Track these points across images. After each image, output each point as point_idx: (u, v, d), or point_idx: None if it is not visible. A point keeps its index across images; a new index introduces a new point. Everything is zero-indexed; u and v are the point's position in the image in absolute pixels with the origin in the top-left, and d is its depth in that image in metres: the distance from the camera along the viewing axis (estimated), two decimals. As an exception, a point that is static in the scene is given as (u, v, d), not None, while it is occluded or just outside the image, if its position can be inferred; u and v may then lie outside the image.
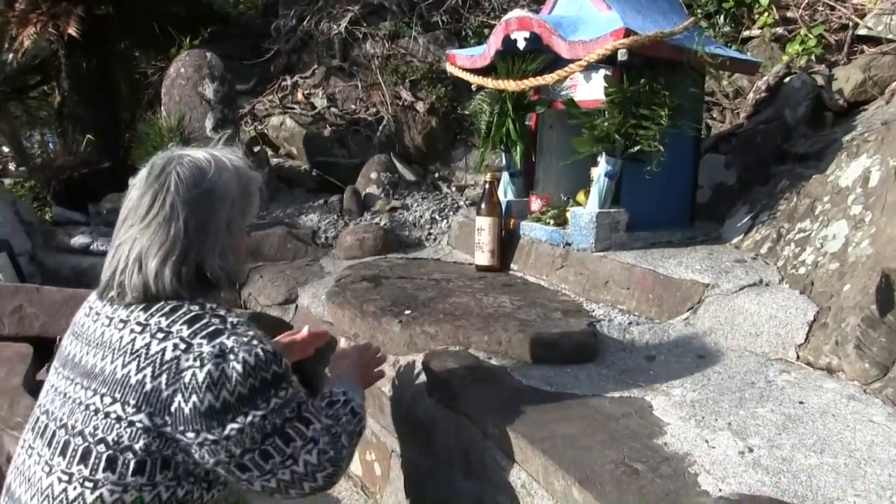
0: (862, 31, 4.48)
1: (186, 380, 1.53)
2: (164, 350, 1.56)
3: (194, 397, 1.52)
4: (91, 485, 1.55)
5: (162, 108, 5.49)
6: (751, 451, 2.03)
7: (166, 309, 1.63)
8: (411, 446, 2.85)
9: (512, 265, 3.90)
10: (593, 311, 3.19)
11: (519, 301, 3.26)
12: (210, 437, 1.54)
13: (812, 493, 1.81)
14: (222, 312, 1.66)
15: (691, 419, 2.24)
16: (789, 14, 4.93)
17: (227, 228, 1.74)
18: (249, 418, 1.56)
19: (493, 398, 2.45)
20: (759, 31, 4.97)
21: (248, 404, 1.56)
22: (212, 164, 1.73)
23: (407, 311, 3.17)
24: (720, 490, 1.83)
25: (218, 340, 1.57)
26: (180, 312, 1.62)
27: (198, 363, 1.54)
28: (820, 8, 4.84)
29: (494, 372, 2.70)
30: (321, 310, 3.84)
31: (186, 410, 1.53)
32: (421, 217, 5.06)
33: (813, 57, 4.50)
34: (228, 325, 1.62)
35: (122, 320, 1.65)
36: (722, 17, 5.06)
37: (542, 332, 2.84)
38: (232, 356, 1.56)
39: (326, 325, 3.72)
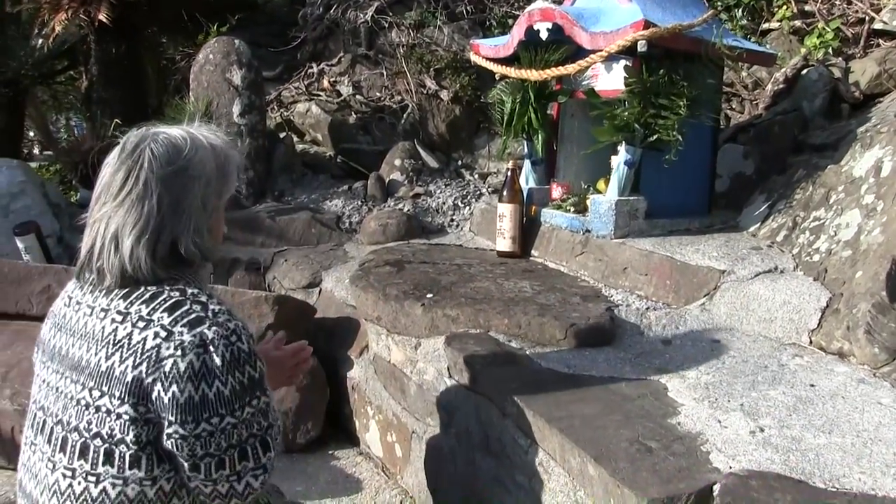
0: (878, 26, 4.53)
1: (167, 369, 1.50)
2: (145, 339, 1.53)
3: (174, 387, 1.49)
4: (94, 479, 1.54)
5: (190, 93, 5.56)
6: (761, 430, 2.10)
7: (146, 296, 1.59)
8: (432, 427, 2.92)
9: (532, 251, 3.97)
10: (611, 296, 3.26)
11: (539, 286, 3.34)
12: (181, 431, 1.51)
13: (819, 470, 1.89)
14: (203, 299, 1.61)
15: (705, 400, 2.32)
16: (807, 7, 4.96)
17: (203, 206, 1.67)
18: (224, 423, 1.54)
19: (512, 379, 2.53)
20: (778, 23, 5.00)
21: (226, 407, 1.54)
22: (187, 141, 1.67)
23: (429, 295, 3.24)
24: (730, 467, 1.91)
25: (199, 330, 1.53)
26: (161, 299, 1.58)
27: (179, 352, 1.51)
28: (837, 2, 4.87)
29: (514, 354, 2.78)
30: (344, 293, 3.92)
31: (165, 400, 1.50)
32: (444, 203, 5.12)
33: (830, 50, 4.54)
34: (210, 314, 1.57)
35: (102, 309, 1.61)
36: (741, 10, 5.09)
37: (561, 315, 2.92)
38: (212, 348, 1.53)
39: (350, 309, 3.81)
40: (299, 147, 6.32)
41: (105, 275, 1.60)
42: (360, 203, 5.22)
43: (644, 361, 2.70)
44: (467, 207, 5.05)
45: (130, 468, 1.53)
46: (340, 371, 3.69)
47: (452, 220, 4.97)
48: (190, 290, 1.62)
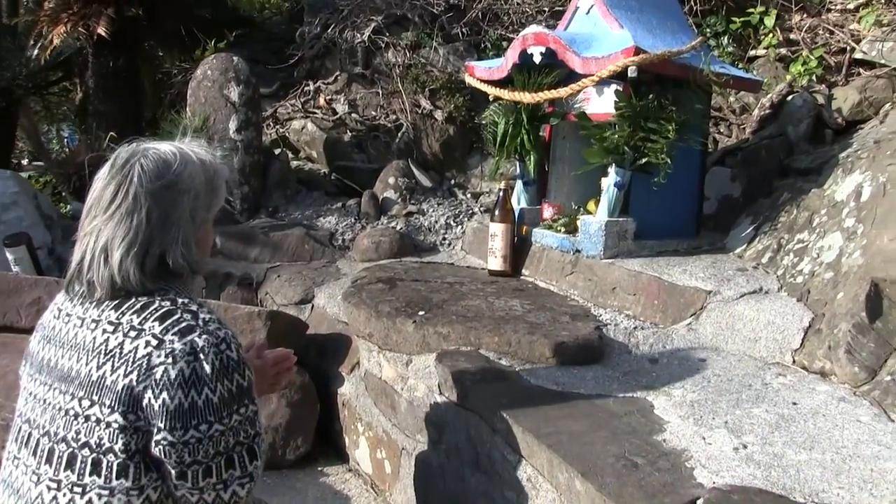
0: (858, 55, 4.66)
1: (158, 376, 1.52)
2: (136, 348, 1.55)
3: (164, 394, 1.51)
4: (80, 490, 1.55)
5: (187, 108, 5.60)
6: (745, 447, 2.16)
7: (137, 306, 1.61)
8: (421, 443, 2.96)
9: (523, 271, 4.03)
10: (600, 315, 3.32)
11: (529, 305, 3.39)
12: (170, 437, 1.52)
13: (800, 485, 1.95)
14: (194, 308, 1.63)
15: (690, 418, 2.38)
16: (792, 36, 5.08)
17: (191, 219, 1.70)
18: (213, 430, 1.55)
19: (502, 396, 2.58)
20: (765, 51, 5.12)
21: (214, 414, 1.55)
22: (177, 156, 1.69)
23: (421, 313, 3.28)
24: (714, 482, 1.97)
25: (189, 338, 1.56)
26: (151, 309, 1.60)
27: (170, 360, 1.52)
28: (820, 32, 5.00)
29: (504, 371, 2.83)
30: (337, 310, 3.97)
31: (155, 407, 1.52)
32: (436, 222, 5.17)
33: (814, 77, 4.66)
34: (200, 322, 1.59)
35: (94, 320, 1.63)
36: (727, 37, 5.20)
37: (551, 334, 2.97)
38: (202, 356, 1.55)
39: (342, 325, 3.85)
40: (294, 164, 6.37)
41: (95, 287, 1.63)
42: (353, 220, 5.27)
43: (631, 379, 2.76)
44: (459, 226, 5.09)
45: (118, 478, 1.54)
46: (331, 387, 3.73)
47: (444, 239, 5.01)
48: (180, 300, 1.64)
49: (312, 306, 4.25)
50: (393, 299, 3.50)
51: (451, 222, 5.15)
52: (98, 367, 1.56)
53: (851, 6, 5.04)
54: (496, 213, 3.97)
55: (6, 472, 1.70)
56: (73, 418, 1.57)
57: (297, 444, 3.59)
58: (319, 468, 3.64)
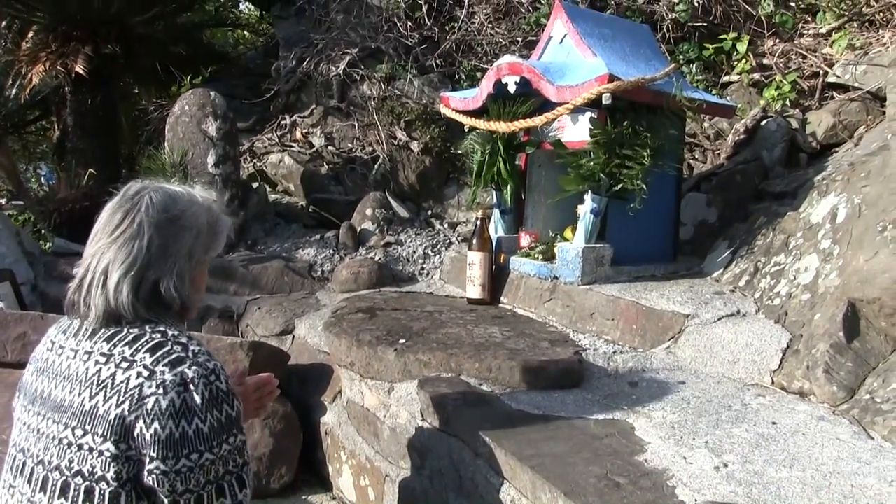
0: (832, 79, 4.75)
1: (149, 406, 1.55)
2: (128, 378, 1.58)
3: (156, 424, 1.54)
4: None
5: (165, 143, 5.60)
6: (725, 466, 2.18)
7: (129, 338, 1.65)
8: (405, 469, 2.96)
9: (502, 298, 4.04)
10: (579, 341, 3.34)
11: (508, 332, 3.41)
12: (162, 467, 1.55)
13: (780, 501, 1.97)
14: (184, 340, 1.68)
15: (670, 438, 2.39)
16: (765, 61, 5.17)
17: (188, 256, 1.76)
18: (203, 459, 1.59)
19: (484, 420, 2.58)
20: (738, 76, 5.20)
21: (205, 443, 1.59)
22: (185, 195, 1.79)
23: (401, 341, 3.29)
24: (696, 500, 1.98)
25: (179, 369, 1.59)
26: (143, 340, 1.64)
27: (161, 391, 1.56)
28: (793, 56, 5.10)
29: (485, 397, 2.83)
30: (318, 340, 3.96)
31: (147, 436, 1.55)
32: (414, 252, 5.19)
33: (788, 101, 4.74)
34: (190, 354, 1.64)
35: (86, 352, 1.67)
36: (701, 64, 5.28)
37: (531, 359, 2.98)
38: (192, 387, 1.59)
39: (323, 355, 3.85)
40: (272, 197, 6.38)
41: (91, 308, 1.67)
42: (332, 252, 5.28)
43: (612, 402, 2.77)
44: (437, 256, 5.11)
45: None
46: (314, 417, 3.71)
47: (423, 269, 5.03)
48: (171, 332, 1.69)
49: (293, 337, 4.25)
50: (373, 328, 3.51)
51: (429, 252, 5.17)
52: (91, 398, 1.60)
53: (824, 31, 5.15)
54: (474, 241, 3.99)
55: (2, 501, 1.73)
56: (66, 447, 1.60)
57: (282, 474, 3.59)
58: (303, 497, 3.63)
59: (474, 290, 4.01)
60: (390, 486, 3.07)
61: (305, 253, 5.29)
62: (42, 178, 12.64)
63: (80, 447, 1.59)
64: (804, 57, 5.03)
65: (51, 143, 9.80)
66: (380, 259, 5.06)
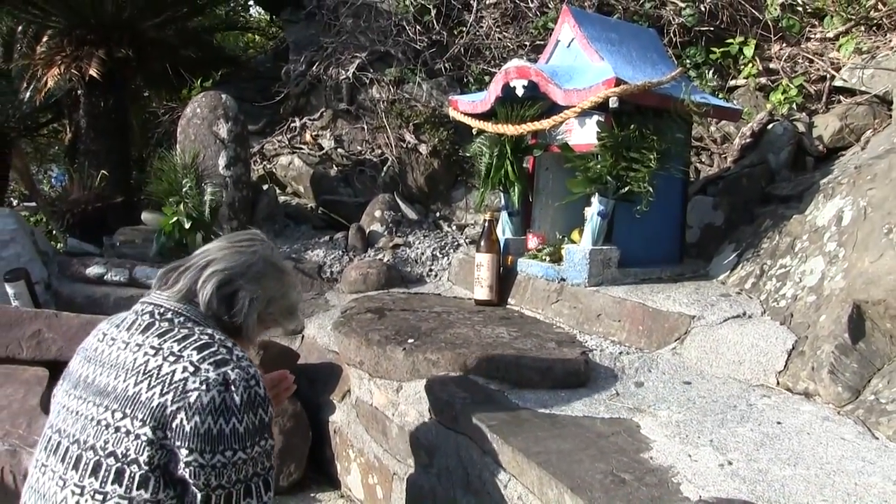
0: (838, 83, 4.76)
1: (192, 400, 1.65)
2: (174, 371, 1.69)
3: (196, 418, 1.64)
4: (101, 497, 1.65)
5: (177, 145, 5.65)
6: (730, 464, 2.20)
7: (179, 336, 1.77)
8: (413, 468, 2.99)
9: (509, 300, 4.06)
10: (586, 341, 3.36)
11: (516, 332, 3.43)
12: (200, 460, 1.64)
13: (784, 498, 1.99)
14: (229, 344, 1.80)
15: (676, 437, 2.41)
16: (772, 65, 5.21)
17: (267, 301, 1.99)
18: (236, 457, 1.68)
19: (491, 418, 2.60)
20: (745, 80, 5.23)
21: (240, 442, 1.69)
22: (292, 275, 2.13)
23: (410, 340, 3.31)
24: (700, 496, 2.01)
25: (223, 370, 1.71)
26: (191, 339, 1.76)
27: (204, 387, 1.67)
28: (800, 60, 5.12)
29: (493, 395, 2.86)
30: (327, 339, 3.99)
31: (187, 429, 1.64)
32: (423, 254, 5.21)
33: (794, 105, 4.76)
34: (234, 357, 1.76)
35: (137, 344, 1.77)
36: (708, 68, 5.30)
37: (538, 359, 3.01)
38: (233, 388, 1.70)
39: (332, 355, 3.88)
40: (282, 199, 6.43)
41: (177, 282, 1.90)
42: (341, 253, 5.30)
43: (617, 402, 2.80)
44: (445, 258, 5.13)
45: (138, 489, 1.64)
46: (323, 415, 3.74)
47: (431, 270, 5.05)
48: (218, 336, 1.82)
49: (303, 337, 4.27)
50: (382, 328, 3.53)
51: (438, 254, 5.19)
52: (135, 384, 1.70)
53: (831, 35, 5.17)
54: (482, 243, 4.01)
55: (33, 479, 1.82)
56: (103, 428, 1.70)
57: (290, 471, 3.62)
58: (312, 494, 3.65)
59: (482, 292, 4.03)
60: (398, 484, 3.10)
61: (315, 254, 5.31)
62: (53, 180, 12.73)
63: (117, 429, 1.67)
64: (811, 61, 5.06)
65: (62, 145, 9.90)
66: (388, 260, 5.08)
